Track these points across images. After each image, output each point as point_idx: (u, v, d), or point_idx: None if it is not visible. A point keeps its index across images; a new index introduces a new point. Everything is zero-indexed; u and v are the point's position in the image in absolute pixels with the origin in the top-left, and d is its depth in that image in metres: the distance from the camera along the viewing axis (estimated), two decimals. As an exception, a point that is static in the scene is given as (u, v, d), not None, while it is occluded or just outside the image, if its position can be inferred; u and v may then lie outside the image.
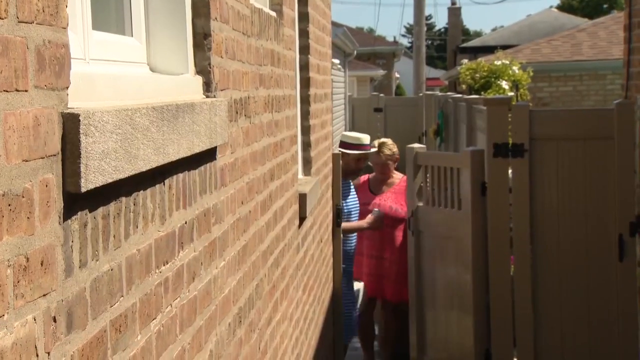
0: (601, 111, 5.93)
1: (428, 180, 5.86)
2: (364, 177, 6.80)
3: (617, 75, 14.89)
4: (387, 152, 6.62)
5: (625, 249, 5.24)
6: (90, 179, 1.25)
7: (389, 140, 6.81)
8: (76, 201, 1.26)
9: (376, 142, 6.72)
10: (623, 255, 5.25)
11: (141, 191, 1.57)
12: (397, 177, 6.70)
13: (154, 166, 1.56)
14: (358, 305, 6.34)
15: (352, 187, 6.37)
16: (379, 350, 6.99)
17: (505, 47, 17.72)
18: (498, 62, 13.59)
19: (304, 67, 4.63)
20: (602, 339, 5.29)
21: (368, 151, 6.46)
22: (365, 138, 6.50)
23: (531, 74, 13.91)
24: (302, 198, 3.94)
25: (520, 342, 5.33)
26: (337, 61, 14.54)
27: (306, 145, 4.67)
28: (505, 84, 12.98)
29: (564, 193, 5.37)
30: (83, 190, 1.23)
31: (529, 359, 5.30)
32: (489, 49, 19.37)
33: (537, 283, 5.37)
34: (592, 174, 5.33)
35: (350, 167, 6.27)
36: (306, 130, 4.67)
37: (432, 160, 5.94)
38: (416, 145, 6.36)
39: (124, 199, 1.47)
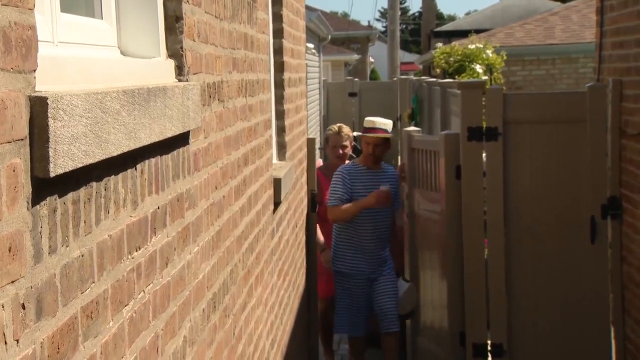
0: (573, 94, 5.97)
1: (420, 163, 5.86)
2: (318, 163, 6.66)
3: (590, 59, 15.00)
4: (347, 135, 6.40)
5: (597, 230, 5.29)
6: (60, 164, 1.23)
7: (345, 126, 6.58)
8: (45, 186, 1.24)
9: (336, 127, 6.48)
10: (595, 237, 5.30)
11: (112, 176, 1.54)
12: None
13: (125, 151, 1.54)
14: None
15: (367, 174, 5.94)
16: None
17: (479, 31, 17.77)
18: (472, 46, 13.63)
19: (278, 51, 4.60)
20: (574, 319, 5.34)
21: (374, 135, 5.89)
22: (379, 122, 5.96)
23: (505, 57, 13.97)
24: (277, 183, 3.93)
25: (494, 324, 5.38)
26: (311, 45, 14.48)
27: (280, 130, 4.65)
28: (479, 68, 13.03)
29: (537, 176, 5.40)
30: (52, 175, 1.20)
31: (503, 341, 5.34)
32: (463, 33, 19.41)
33: (511, 265, 5.41)
34: (564, 157, 5.37)
35: (363, 151, 5.94)
36: (280, 114, 4.65)
37: (423, 143, 5.94)
38: (412, 128, 6.37)
39: (94, 184, 1.45)
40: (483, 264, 5.38)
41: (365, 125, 5.97)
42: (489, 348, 5.37)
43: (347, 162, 6.29)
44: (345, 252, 5.92)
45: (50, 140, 1.20)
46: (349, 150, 6.41)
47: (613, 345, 5.34)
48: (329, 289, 6.18)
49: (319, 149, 6.20)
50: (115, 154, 1.48)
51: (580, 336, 5.33)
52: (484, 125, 5.42)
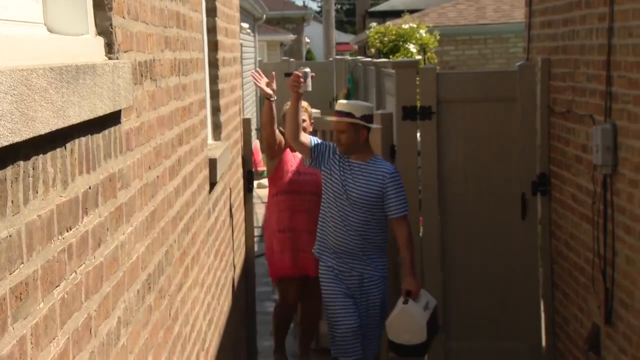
0: (504, 74, 6.08)
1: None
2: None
3: (520, 38, 15.26)
4: (305, 109, 5.61)
5: (528, 207, 5.42)
6: (-16, 142, 1.19)
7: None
8: (-31, 165, 1.21)
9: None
10: (525, 213, 5.42)
11: (41, 155, 1.51)
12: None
13: (54, 129, 1.51)
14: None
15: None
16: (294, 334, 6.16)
17: (412, 11, 17.88)
18: (406, 26, 13.72)
19: (212, 30, 4.56)
20: (506, 294, 5.47)
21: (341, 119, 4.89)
22: (342, 104, 4.96)
23: (438, 37, 14.11)
24: (212, 163, 3.90)
25: (430, 300, 5.46)
26: (246, 25, 14.37)
27: (215, 110, 4.61)
28: (412, 48, 13.14)
29: (469, 154, 5.49)
30: (-24, 153, 1.17)
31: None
32: (397, 13, 19.50)
33: (446, 243, 5.51)
34: (496, 135, 5.47)
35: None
36: (215, 94, 4.61)
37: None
38: (383, 111, 6.13)
39: (22, 163, 1.42)
40: (419, 242, 5.46)
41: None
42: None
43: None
44: (319, 236, 4.94)
45: (-27, 117, 1.16)
46: (308, 126, 5.55)
47: (543, 318, 5.49)
48: (283, 266, 5.55)
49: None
50: (43, 132, 1.45)
51: (512, 310, 5.46)
52: (418, 105, 5.48)
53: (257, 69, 5.60)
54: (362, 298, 4.84)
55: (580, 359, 4.79)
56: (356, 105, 4.89)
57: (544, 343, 5.48)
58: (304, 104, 5.58)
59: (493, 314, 5.47)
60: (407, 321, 4.60)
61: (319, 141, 4.95)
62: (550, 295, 5.40)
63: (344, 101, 5.07)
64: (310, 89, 4.94)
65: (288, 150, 5.57)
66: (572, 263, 4.92)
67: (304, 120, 5.54)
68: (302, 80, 4.85)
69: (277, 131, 5.45)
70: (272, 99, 5.34)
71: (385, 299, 4.90)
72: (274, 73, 5.46)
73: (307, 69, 5.00)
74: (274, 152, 5.50)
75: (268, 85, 5.33)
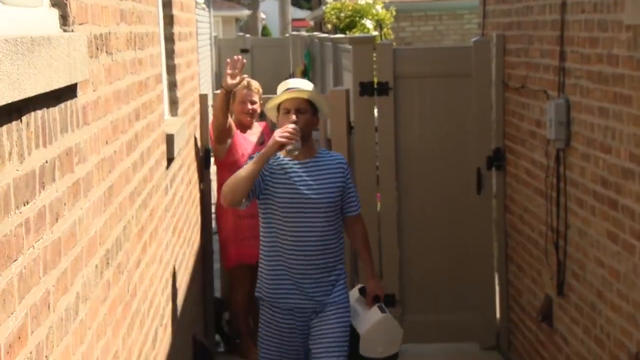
0: (460, 49, 6.12)
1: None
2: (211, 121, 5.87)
3: (474, 15, 15.35)
4: (257, 89, 5.49)
5: (483, 182, 5.49)
6: (-61, 114, 1.17)
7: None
8: None
9: (245, 81, 5.34)
10: (481, 187, 5.50)
11: (-4, 128, 1.49)
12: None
13: (9, 101, 1.48)
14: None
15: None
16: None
17: (369, -12, 17.85)
18: (362, 2, 13.71)
19: (167, 4, 4.51)
20: (461, 267, 5.55)
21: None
22: (294, 82, 4.16)
23: (394, 13, 14.14)
24: (170, 139, 3.87)
25: (387, 275, 5.52)
26: (201, 0, 14.21)
27: (172, 85, 4.57)
28: (369, 24, 13.15)
29: (426, 130, 5.54)
30: None
31: (395, 291, 5.49)
32: (353, -10, 19.45)
33: (402, 219, 5.55)
34: (452, 111, 5.52)
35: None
36: (171, 69, 4.57)
37: None
38: (340, 88, 6.01)
39: (-23, 136, 1.40)
40: (376, 218, 5.50)
41: (279, 91, 4.00)
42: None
43: (255, 122, 5.47)
44: (264, 270, 3.93)
45: None
46: (258, 107, 5.40)
47: (497, 290, 5.59)
48: (239, 254, 5.44)
49: (212, 106, 5.83)
50: (-2, 104, 1.43)
51: (467, 283, 5.55)
52: (375, 81, 5.50)
53: (241, 58, 5.20)
54: (319, 324, 3.88)
55: (534, 330, 4.89)
56: (306, 83, 4.08)
57: (498, 315, 5.58)
58: (255, 85, 5.45)
59: (449, 287, 5.55)
60: (387, 331, 3.94)
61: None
62: (505, 268, 5.50)
63: (288, 80, 4.19)
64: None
65: (238, 132, 5.41)
66: (526, 236, 5.01)
67: (254, 102, 5.43)
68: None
69: (228, 117, 5.30)
70: (228, 90, 5.09)
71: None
72: (246, 76, 5.25)
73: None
74: (223, 137, 5.36)
75: (234, 77, 5.04)
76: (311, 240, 3.84)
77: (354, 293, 4.11)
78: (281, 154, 3.88)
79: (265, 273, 3.90)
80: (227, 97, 5.15)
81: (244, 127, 5.51)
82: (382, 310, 3.96)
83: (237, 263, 5.53)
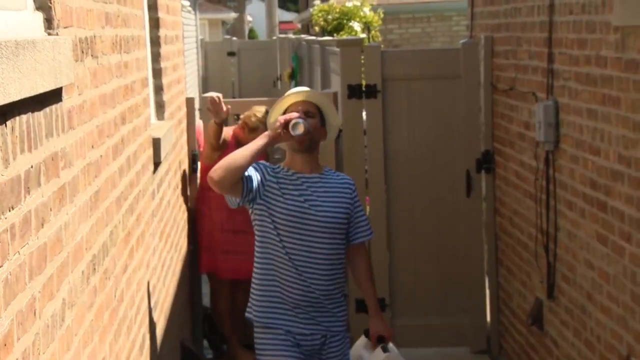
0: (448, 51, 6.12)
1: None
2: (198, 125, 5.87)
3: (462, 17, 15.37)
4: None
5: (472, 184, 5.48)
6: None
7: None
8: None
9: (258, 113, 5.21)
10: (470, 190, 5.49)
11: (-21, 133, 1.46)
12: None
13: (-8, 106, 1.46)
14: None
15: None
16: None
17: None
18: (350, 4, 13.71)
19: (153, 6, 4.48)
20: (451, 271, 5.54)
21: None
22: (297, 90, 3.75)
23: (382, 15, 14.14)
24: (156, 143, 3.85)
25: (376, 280, 5.46)
26: (187, 3, 14.15)
27: (158, 89, 4.54)
28: (357, 26, 13.14)
29: (415, 132, 5.52)
30: None
31: (385, 295, 5.47)
32: (340, -8, 19.46)
33: (392, 222, 5.54)
34: (441, 113, 5.51)
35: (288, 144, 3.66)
36: (157, 73, 4.54)
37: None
38: (328, 90, 6.00)
39: (-40, 141, 1.37)
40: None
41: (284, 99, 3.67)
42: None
43: None
44: (256, 290, 3.56)
45: None
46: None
47: (487, 294, 5.58)
48: (209, 264, 5.46)
49: (199, 109, 5.79)
50: (-18, 108, 1.40)
51: (457, 286, 5.53)
52: (364, 83, 5.48)
53: (214, 95, 5.25)
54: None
55: (524, 333, 4.88)
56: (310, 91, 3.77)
57: (488, 318, 5.57)
58: (261, 113, 5.22)
59: (438, 290, 5.54)
60: None
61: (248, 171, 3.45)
62: (495, 271, 5.49)
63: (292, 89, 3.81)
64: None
65: (233, 144, 5.22)
66: (515, 239, 5.00)
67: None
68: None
69: (218, 149, 5.25)
70: (219, 123, 5.15)
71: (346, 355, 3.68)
72: (229, 107, 5.28)
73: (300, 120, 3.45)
74: (217, 146, 5.33)
75: (220, 110, 5.09)
76: (311, 264, 3.46)
77: (362, 341, 3.74)
78: (285, 166, 3.54)
79: (257, 294, 3.52)
80: (219, 129, 5.23)
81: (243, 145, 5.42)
82: (385, 350, 3.59)
83: (208, 271, 5.55)
